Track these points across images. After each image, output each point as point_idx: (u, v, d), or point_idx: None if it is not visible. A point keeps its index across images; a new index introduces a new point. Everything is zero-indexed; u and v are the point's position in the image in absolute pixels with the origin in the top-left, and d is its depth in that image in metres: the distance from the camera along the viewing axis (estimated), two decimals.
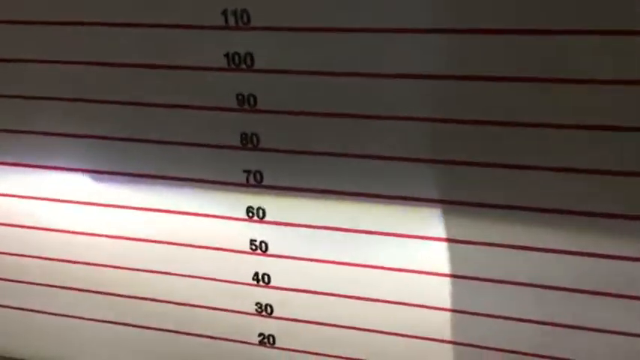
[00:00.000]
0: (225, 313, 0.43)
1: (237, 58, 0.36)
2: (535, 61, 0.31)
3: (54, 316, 0.47)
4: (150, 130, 0.39)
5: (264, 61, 0.35)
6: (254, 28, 0.35)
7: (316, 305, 0.41)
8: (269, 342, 0.43)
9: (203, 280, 0.42)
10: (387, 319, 0.39)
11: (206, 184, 0.39)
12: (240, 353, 0.44)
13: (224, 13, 0.35)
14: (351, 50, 0.34)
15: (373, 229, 0.38)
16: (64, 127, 0.41)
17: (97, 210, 0.42)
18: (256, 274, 0.41)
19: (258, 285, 0.41)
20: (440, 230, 0.36)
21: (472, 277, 0.37)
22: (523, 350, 0.38)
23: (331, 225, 0.38)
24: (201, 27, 0.35)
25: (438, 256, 0.37)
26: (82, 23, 0.37)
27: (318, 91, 0.35)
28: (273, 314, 0.42)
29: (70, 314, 0.47)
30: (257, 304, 0.42)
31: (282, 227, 0.39)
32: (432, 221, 0.36)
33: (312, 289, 0.40)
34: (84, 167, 0.41)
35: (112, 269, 0.44)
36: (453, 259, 0.37)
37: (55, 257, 0.45)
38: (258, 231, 0.40)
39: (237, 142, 0.38)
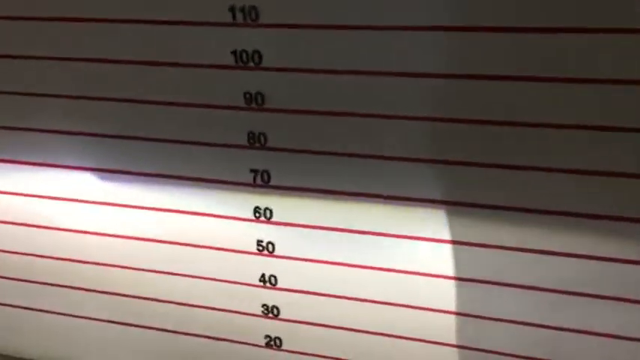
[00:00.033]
0: (232, 314, 0.42)
1: (244, 55, 0.35)
2: (535, 60, 0.31)
3: (62, 316, 0.47)
4: (154, 128, 0.39)
5: (273, 58, 0.35)
6: (262, 25, 0.34)
7: (325, 307, 0.40)
8: (275, 344, 0.43)
9: (209, 281, 0.42)
10: (399, 323, 0.39)
11: (212, 184, 0.39)
12: (246, 355, 0.43)
13: (232, 9, 0.34)
14: (358, 48, 0.33)
15: (384, 231, 0.37)
16: (69, 125, 0.40)
17: (103, 209, 0.42)
18: (263, 275, 0.41)
19: (264, 287, 0.41)
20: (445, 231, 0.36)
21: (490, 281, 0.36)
22: (523, 354, 0.37)
23: (339, 227, 0.38)
24: (208, 24, 0.35)
25: (446, 258, 0.37)
26: (87, 20, 0.37)
27: (327, 89, 0.35)
28: (280, 316, 0.42)
29: (79, 314, 0.47)
30: (264, 305, 0.42)
31: (290, 228, 0.39)
32: (430, 222, 0.36)
33: (320, 291, 0.40)
34: (89, 166, 0.41)
35: (118, 269, 0.44)
36: (464, 261, 0.36)
37: (63, 257, 0.45)
38: (265, 232, 0.40)
39: (244, 142, 0.37)
